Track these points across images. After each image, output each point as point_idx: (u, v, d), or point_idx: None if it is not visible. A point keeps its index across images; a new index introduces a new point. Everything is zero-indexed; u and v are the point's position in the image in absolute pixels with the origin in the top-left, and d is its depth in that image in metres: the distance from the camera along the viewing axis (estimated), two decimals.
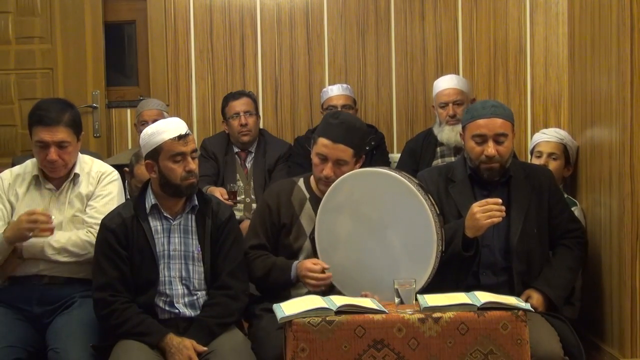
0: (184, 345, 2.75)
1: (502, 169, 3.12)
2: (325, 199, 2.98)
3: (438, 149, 4.23)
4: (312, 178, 3.17)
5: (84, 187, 3.13)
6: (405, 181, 2.83)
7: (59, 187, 3.11)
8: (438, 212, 2.82)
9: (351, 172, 2.98)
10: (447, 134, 4.17)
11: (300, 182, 3.18)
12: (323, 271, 2.92)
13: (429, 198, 2.82)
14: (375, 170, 3.01)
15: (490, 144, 3.07)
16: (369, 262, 2.89)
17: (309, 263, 2.95)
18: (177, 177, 2.86)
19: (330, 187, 2.97)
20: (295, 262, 3.01)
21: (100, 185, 3.15)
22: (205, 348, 2.78)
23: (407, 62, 4.88)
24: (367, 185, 2.91)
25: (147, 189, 2.97)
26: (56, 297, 3.00)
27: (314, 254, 3.04)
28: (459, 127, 4.06)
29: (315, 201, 3.07)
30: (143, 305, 2.87)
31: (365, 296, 2.76)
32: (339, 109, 4.36)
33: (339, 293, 2.90)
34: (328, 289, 2.96)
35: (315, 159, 3.08)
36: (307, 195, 3.14)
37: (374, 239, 2.88)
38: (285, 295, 2.94)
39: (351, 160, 3.05)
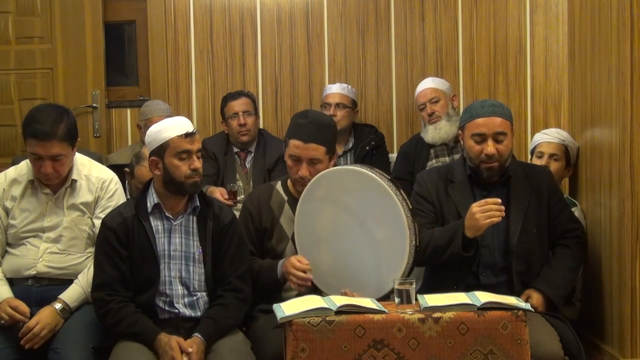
0: (169, 346, 2.74)
1: (501, 169, 3.12)
2: (302, 200, 2.99)
3: (432, 150, 4.25)
4: (289, 180, 3.17)
5: (84, 194, 3.12)
6: (377, 178, 2.83)
7: (55, 192, 3.09)
8: (410, 207, 2.82)
9: (324, 171, 2.98)
10: (431, 133, 4.22)
11: (278, 185, 3.19)
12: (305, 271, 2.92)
13: (400, 193, 2.82)
14: (347, 168, 3.04)
15: (490, 142, 3.07)
16: (347, 260, 2.91)
17: (294, 259, 2.95)
18: (182, 174, 2.87)
19: (306, 188, 2.98)
20: (281, 261, 3.01)
21: (106, 196, 3.14)
22: (190, 350, 2.73)
23: (407, 62, 4.88)
24: (341, 184, 2.92)
25: (148, 188, 2.97)
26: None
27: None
28: (441, 124, 4.18)
29: (294, 202, 3.07)
30: (143, 304, 2.87)
31: (345, 294, 2.78)
32: (332, 107, 4.38)
33: (320, 291, 2.90)
34: (312, 288, 2.96)
35: (288, 161, 3.09)
36: (285, 198, 3.14)
37: (350, 237, 2.90)
38: (277, 298, 2.95)
39: (324, 157, 3.06)
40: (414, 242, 2.79)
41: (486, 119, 3.08)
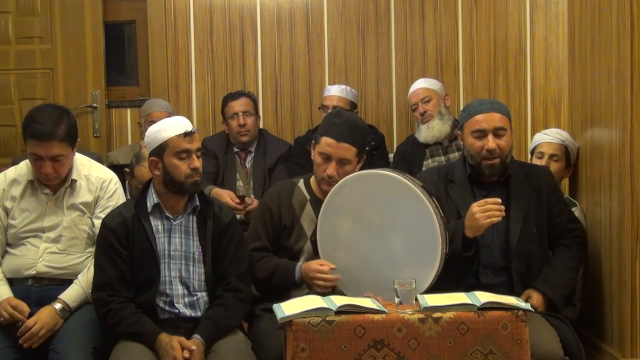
0: (170, 346, 2.74)
1: (502, 165, 3.12)
2: (327, 201, 2.96)
3: (427, 150, 4.27)
4: (312, 179, 3.16)
5: (83, 194, 3.12)
6: (409, 183, 2.81)
7: (55, 192, 3.09)
8: (442, 214, 2.81)
9: (353, 174, 2.95)
10: (424, 132, 4.25)
11: (301, 184, 3.17)
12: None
13: (432, 200, 2.80)
14: (377, 172, 2.98)
15: (490, 137, 3.08)
16: (372, 263, 2.88)
17: (316, 264, 2.93)
18: (182, 174, 2.86)
19: (332, 189, 2.95)
20: (299, 264, 3.00)
21: (106, 196, 3.14)
22: (194, 347, 2.74)
23: (407, 62, 4.88)
24: (370, 187, 2.89)
25: (148, 188, 2.97)
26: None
27: (314, 255, 3.03)
28: (433, 123, 4.23)
29: (316, 202, 3.06)
30: (144, 304, 2.86)
31: (368, 297, 2.75)
32: (330, 110, 4.37)
33: (342, 294, 2.89)
34: (331, 290, 2.95)
35: (318, 159, 3.07)
36: (308, 197, 3.13)
37: (376, 241, 2.87)
38: (285, 296, 2.93)
39: (354, 159, 3.05)
40: (445, 249, 2.78)
41: (485, 114, 3.10)
